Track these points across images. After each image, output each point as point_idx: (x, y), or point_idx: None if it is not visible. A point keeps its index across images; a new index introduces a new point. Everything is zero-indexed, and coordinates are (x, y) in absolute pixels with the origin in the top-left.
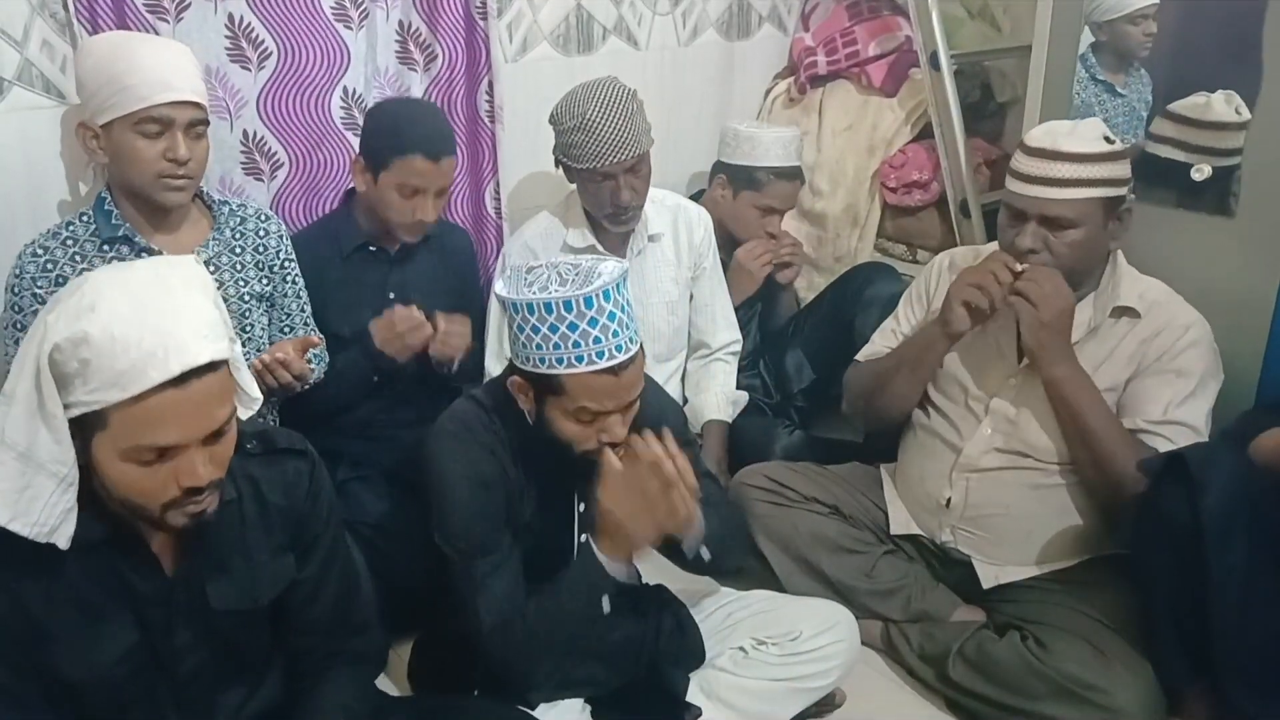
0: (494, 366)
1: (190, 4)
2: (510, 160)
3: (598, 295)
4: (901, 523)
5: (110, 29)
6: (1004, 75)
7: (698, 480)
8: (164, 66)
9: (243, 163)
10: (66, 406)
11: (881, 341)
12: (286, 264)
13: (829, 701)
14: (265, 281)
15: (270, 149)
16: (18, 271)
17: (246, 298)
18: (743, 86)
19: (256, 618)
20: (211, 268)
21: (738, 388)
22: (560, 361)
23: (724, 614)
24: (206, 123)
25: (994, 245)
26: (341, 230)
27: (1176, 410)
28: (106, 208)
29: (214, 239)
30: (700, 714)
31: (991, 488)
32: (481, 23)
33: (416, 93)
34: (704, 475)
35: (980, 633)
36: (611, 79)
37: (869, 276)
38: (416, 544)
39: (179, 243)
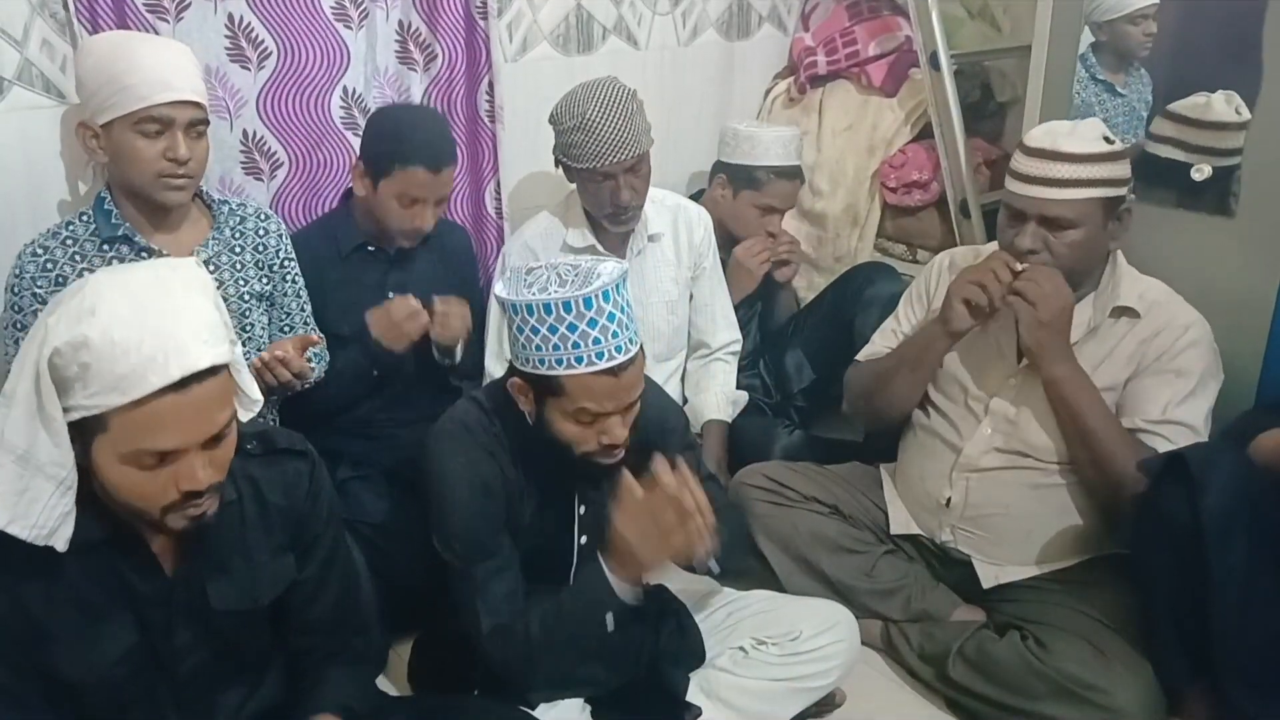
0: (494, 366)
1: (190, 4)
2: (510, 160)
3: (597, 296)
4: (901, 522)
5: (110, 29)
6: (1004, 75)
7: (704, 477)
8: (164, 66)
9: (242, 162)
10: (66, 410)
11: (882, 341)
12: (286, 263)
13: (829, 701)
14: (265, 281)
15: (270, 148)
16: (17, 271)
17: (246, 297)
18: (743, 86)
19: (256, 618)
20: (211, 267)
21: (738, 387)
22: (560, 362)
23: (724, 614)
24: (206, 122)
25: (994, 245)
26: (340, 230)
27: (1175, 410)
28: (106, 207)
29: (213, 238)
30: (700, 714)
31: (991, 487)
32: (482, 23)
33: (416, 92)
34: (706, 478)
35: (980, 632)
36: (611, 79)
37: (869, 276)
38: (417, 543)
39: (179, 242)
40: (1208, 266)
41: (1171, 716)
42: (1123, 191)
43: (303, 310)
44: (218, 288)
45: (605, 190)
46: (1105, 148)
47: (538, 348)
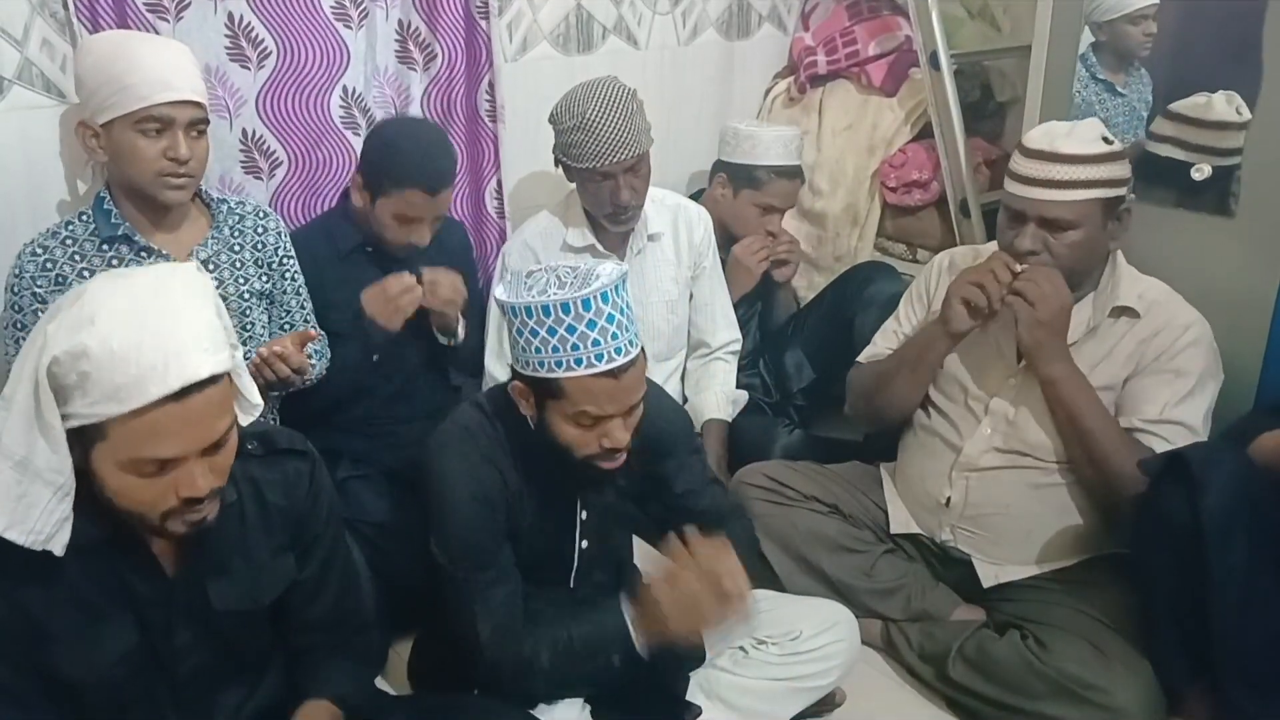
0: (493, 365)
1: (190, 3)
2: (510, 160)
3: (595, 297)
4: (901, 522)
5: (111, 28)
6: (1004, 75)
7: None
8: (164, 66)
9: (242, 161)
10: (65, 417)
11: (883, 342)
12: (285, 260)
13: (829, 701)
14: (265, 279)
15: (269, 147)
16: (17, 271)
17: (246, 295)
18: (742, 86)
19: (257, 618)
20: (210, 266)
21: (737, 387)
22: (559, 365)
23: None
24: (207, 122)
25: (994, 245)
26: (338, 230)
27: (1174, 410)
28: (106, 207)
29: (212, 237)
30: (700, 713)
31: (991, 487)
32: (482, 22)
33: (416, 92)
34: (712, 483)
35: (980, 632)
36: (611, 79)
37: (869, 276)
38: (417, 542)
39: (178, 241)
40: (1208, 266)
41: (1171, 716)
42: (1122, 192)
43: (303, 308)
44: (217, 287)
45: (605, 190)
46: (1104, 148)
47: (537, 350)
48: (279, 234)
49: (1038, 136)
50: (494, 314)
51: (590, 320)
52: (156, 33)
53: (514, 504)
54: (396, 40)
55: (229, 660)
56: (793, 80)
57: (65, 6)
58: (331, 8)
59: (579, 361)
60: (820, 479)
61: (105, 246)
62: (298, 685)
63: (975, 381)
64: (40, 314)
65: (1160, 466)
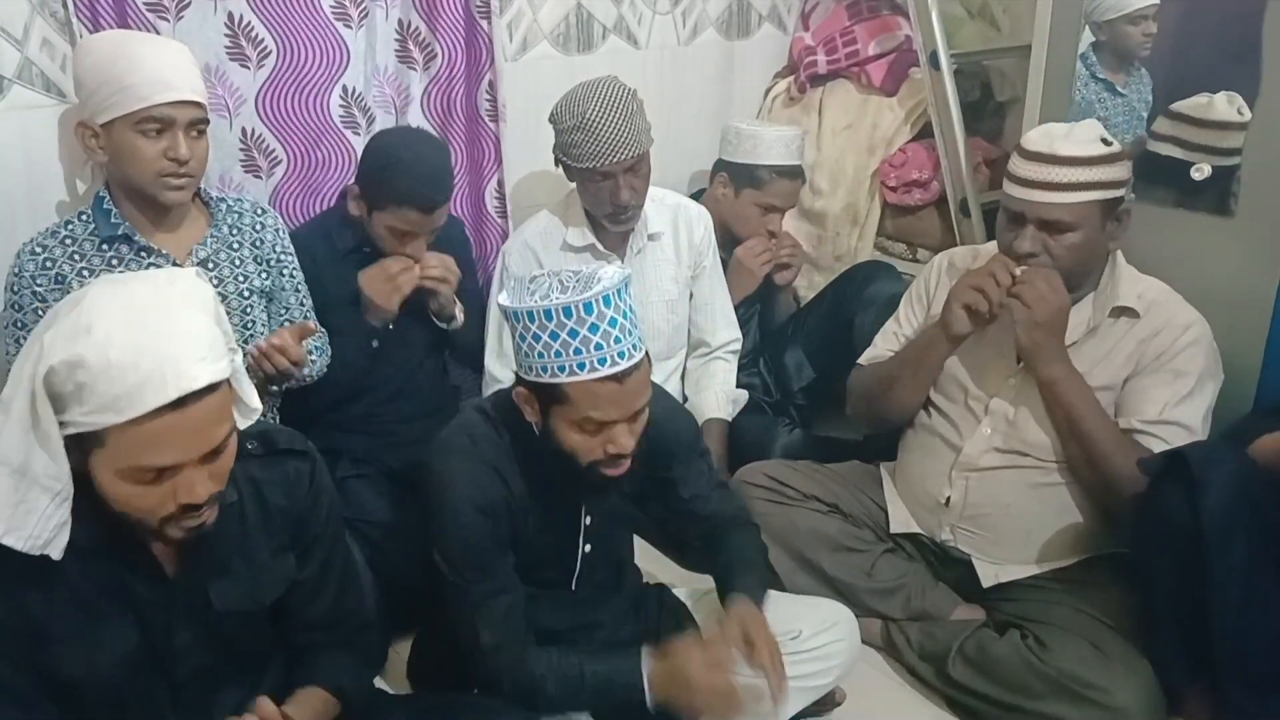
0: (494, 365)
1: (190, 2)
2: (509, 159)
3: (598, 300)
4: (901, 521)
5: (111, 28)
6: (1004, 75)
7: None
8: (164, 66)
9: (241, 160)
10: (62, 424)
11: (883, 344)
12: (283, 257)
13: (829, 700)
14: (264, 276)
15: (268, 146)
16: (17, 270)
17: (246, 293)
18: (742, 86)
19: (257, 618)
20: (210, 265)
21: (738, 386)
22: (562, 370)
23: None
24: (207, 122)
25: (993, 245)
26: (337, 230)
27: (1173, 410)
28: (105, 207)
29: (211, 236)
30: None
31: (991, 487)
32: (483, 22)
33: (416, 91)
34: (719, 486)
35: (980, 631)
36: (611, 78)
37: (869, 275)
38: (417, 542)
39: (178, 241)
40: (1207, 266)
41: (1171, 716)
42: (1121, 193)
43: (302, 305)
44: (218, 285)
45: (605, 190)
46: (1103, 150)
47: (540, 355)
48: (277, 230)
49: (1036, 138)
50: (494, 313)
51: (593, 324)
52: (156, 32)
53: (517, 511)
54: (396, 40)
55: (229, 661)
56: (793, 80)
57: (65, 6)
58: (331, 7)
59: (582, 366)
60: (820, 478)
61: (105, 246)
62: (296, 680)
63: (975, 382)
64: (40, 313)
65: (1160, 466)
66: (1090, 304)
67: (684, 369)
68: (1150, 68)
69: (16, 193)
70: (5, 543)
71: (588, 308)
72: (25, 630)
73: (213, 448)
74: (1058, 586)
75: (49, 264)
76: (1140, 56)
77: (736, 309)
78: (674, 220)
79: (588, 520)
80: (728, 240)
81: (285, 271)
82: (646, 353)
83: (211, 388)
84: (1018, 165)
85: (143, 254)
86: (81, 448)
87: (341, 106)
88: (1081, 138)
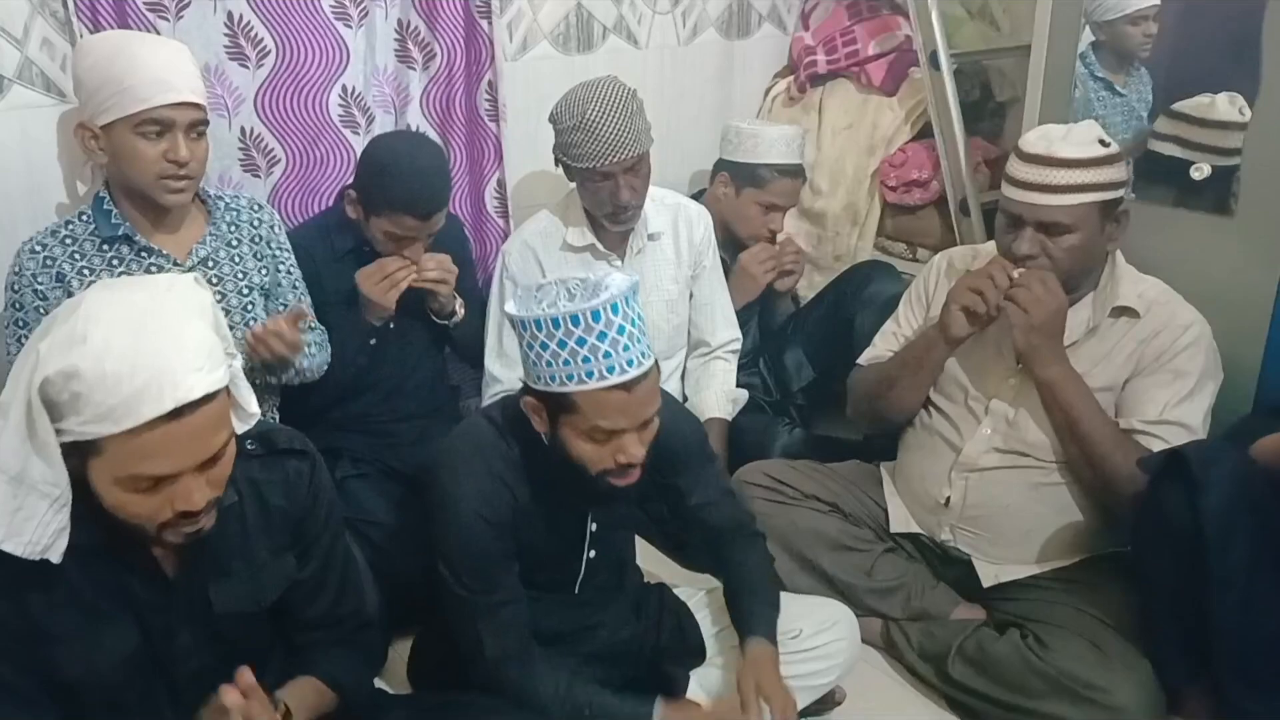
0: (494, 364)
1: (190, 2)
2: (509, 159)
3: (605, 308)
4: (901, 521)
5: (111, 27)
6: (1004, 74)
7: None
8: (163, 67)
9: (241, 159)
10: (59, 433)
11: (883, 344)
12: (280, 252)
13: (829, 699)
14: (263, 272)
15: (267, 146)
16: (17, 269)
17: (246, 290)
18: (742, 85)
19: (257, 619)
20: (210, 264)
21: (738, 386)
22: (570, 378)
23: (724, 612)
24: (206, 123)
25: (993, 245)
26: (335, 230)
27: (1173, 410)
28: (105, 207)
29: (210, 234)
30: None
31: (991, 487)
32: (483, 22)
33: (415, 91)
34: (726, 494)
35: (980, 631)
36: (611, 78)
37: (869, 275)
38: (417, 541)
39: (178, 241)
40: (1207, 266)
41: (1171, 716)
42: (1120, 194)
43: (300, 302)
44: (218, 284)
45: (605, 190)
46: (1101, 151)
47: (548, 364)
48: (273, 226)
49: (1034, 140)
50: (494, 313)
51: (600, 332)
52: (156, 32)
53: (523, 520)
54: (396, 39)
55: (229, 661)
56: (793, 80)
57: (65, 6)
58: (331, 7)
59: (590, 374)
60: (820, 478)
61: (105, 246)
62: (292, 673)
63: (975, 382)
64: (42, 311)
65: (1160, 466)
66: (1090, 304)
67: (684, 369)
68: (1150, 68)
69: (16, 193)
70: (4, 548)
71: (595, 315)
72: (26, 631)
73: (210, 456)
74: (1058, 586)
75: (49, 262)
76: (1140, 57)
77: (737, 311)
78: (674, 220)
79: (593, 527)
80: (729, 240)
81: (282, 267)
82: (656, 361)
83: (209, 397)
84: (1016, 167)
85: (143, 254)
86: (79, 454)
87: (341, 106)
88: (1079, 139)
